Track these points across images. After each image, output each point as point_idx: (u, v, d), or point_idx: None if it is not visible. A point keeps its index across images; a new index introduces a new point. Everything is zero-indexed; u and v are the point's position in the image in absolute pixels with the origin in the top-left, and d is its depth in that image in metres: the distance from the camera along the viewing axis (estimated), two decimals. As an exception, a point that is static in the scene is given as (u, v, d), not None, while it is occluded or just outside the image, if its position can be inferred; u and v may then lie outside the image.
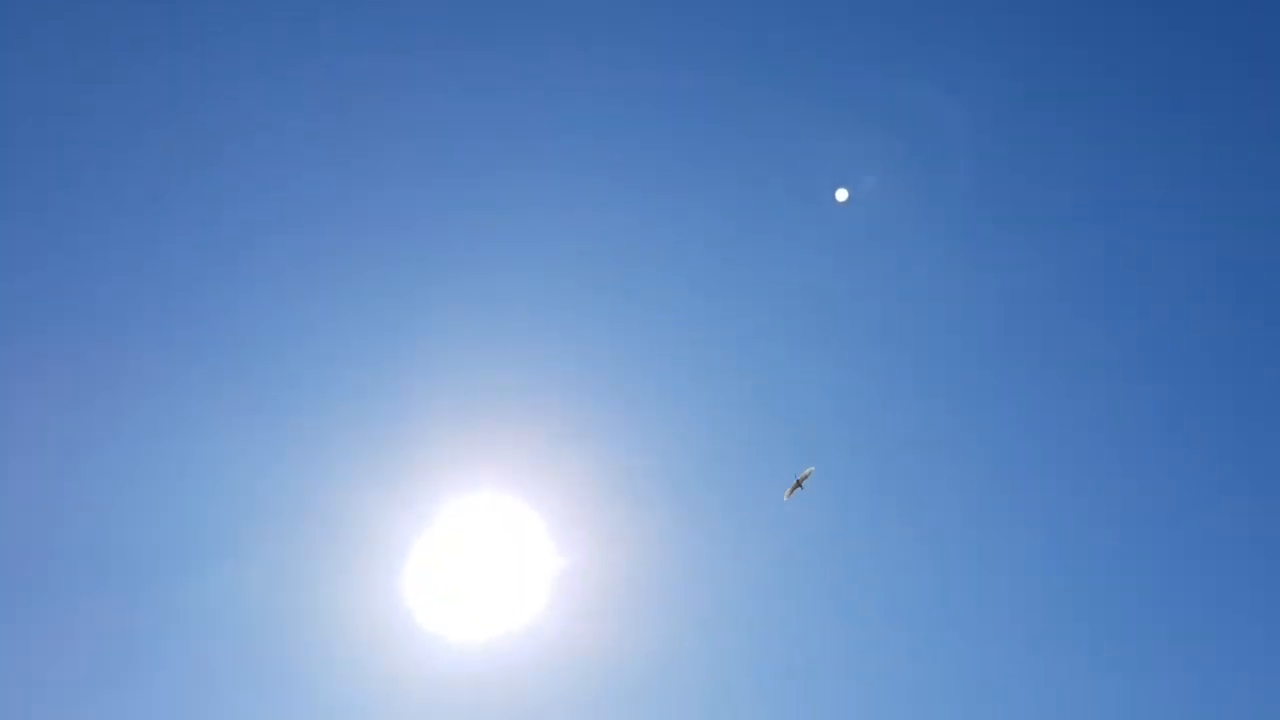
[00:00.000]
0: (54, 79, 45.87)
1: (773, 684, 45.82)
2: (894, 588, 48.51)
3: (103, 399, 44.96)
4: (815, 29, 50.99)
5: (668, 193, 50.00)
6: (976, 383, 51.96)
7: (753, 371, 50.04)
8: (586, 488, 45.09)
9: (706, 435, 48.94)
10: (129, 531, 44.83)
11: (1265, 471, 50.66)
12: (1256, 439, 51.08)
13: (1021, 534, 50.35)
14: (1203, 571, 50.39)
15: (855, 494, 49.26)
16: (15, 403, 44.02)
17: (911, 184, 49.14)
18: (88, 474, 44.70)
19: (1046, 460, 51.72)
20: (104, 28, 45.85)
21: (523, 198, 49.44)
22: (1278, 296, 51.64)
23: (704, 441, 48.59)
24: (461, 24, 48.70)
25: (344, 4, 49.15)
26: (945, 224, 50.44)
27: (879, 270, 49.59)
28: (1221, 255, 52.32)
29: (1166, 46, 52.46)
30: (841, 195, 44.92)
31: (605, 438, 46.75)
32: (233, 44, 48.23)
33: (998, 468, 51.83)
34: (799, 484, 37.34)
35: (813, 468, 37.34)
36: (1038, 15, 52.10)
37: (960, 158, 49.66)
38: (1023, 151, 51.80)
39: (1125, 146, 52.16)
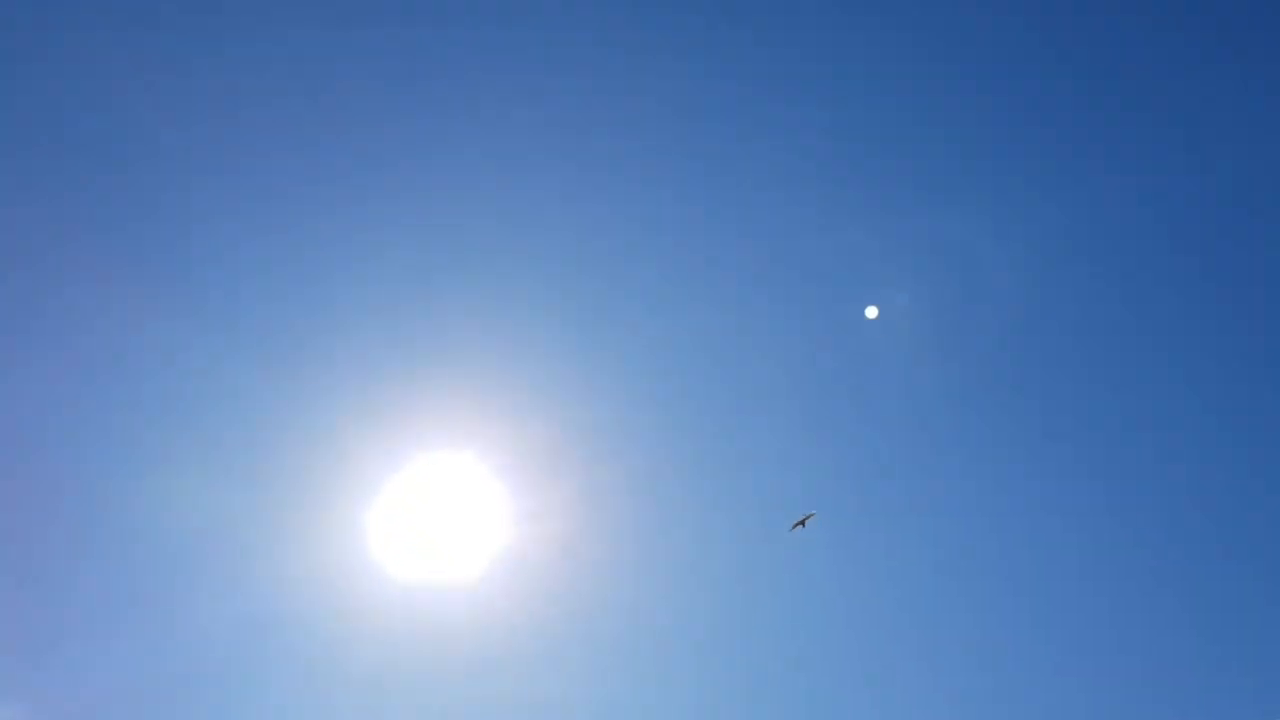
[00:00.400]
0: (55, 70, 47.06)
1: (718, 641, 46.52)
2: (854, 556, 48.81)
3: (97, 316, 45.85)
4: (858, 156, 51.64)
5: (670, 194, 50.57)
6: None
7: (717, 353, 50.45)
8: (547, 455, 45.86)
9: (667, 408, 49.56)
10: (96, 429, 45.59)
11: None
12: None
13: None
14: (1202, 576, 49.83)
15: (817, 469, 49.49)
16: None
17: (942, 307, 49.42)
18: (74, 367, 45.63)
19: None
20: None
21: (521, 187, 50.14)
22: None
23: (664, 417, 49.24)
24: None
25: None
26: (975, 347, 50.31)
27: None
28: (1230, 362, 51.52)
29: (1196, 178, 51.78)
30: (872, 313, 45.45)
31: (567, 408, 47.51)
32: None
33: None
34: (802, 522, 37.70)
35: (815, 512, 37.60)
36: (1078, 150, 51.99)
37: (994, 288, 49.83)
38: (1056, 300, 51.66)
39: (1161, 278, 51.80)
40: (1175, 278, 52.21)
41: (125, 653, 43.07)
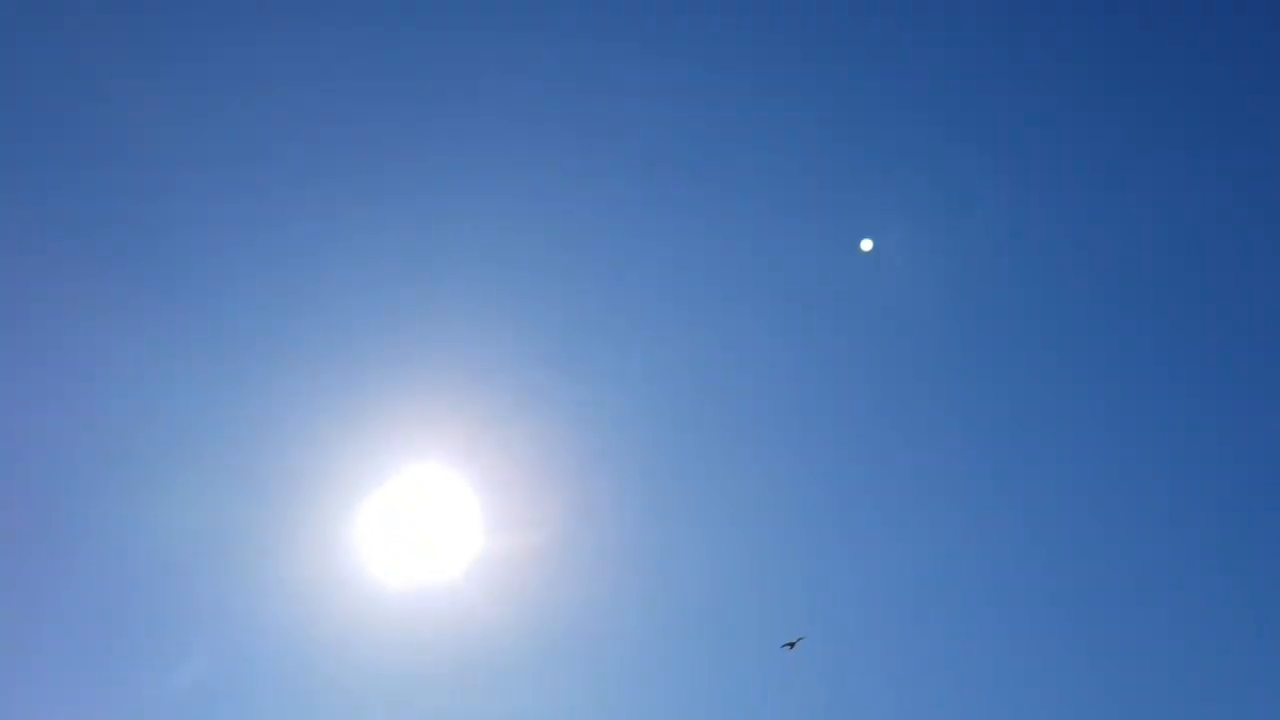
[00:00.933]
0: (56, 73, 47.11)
1: (697, 649, 46.72)
2: (846, 556, 48.55)
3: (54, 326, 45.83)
4: (847, 78, 51.18)
5: (665, 210, 50.30)
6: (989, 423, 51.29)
7: (700, 356, 50.27)
8: (532, 464, 46.20)
9: (645, 419, 49.57)
10: (70, 458, 45.83)
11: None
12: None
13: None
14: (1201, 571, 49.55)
15: (800, 479, 49.42)
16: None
17: (939, 236, 49.05)
18: (25, 397, 45.60)
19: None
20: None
21: (505, 191, 49.95)
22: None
23: (640, 424, 49.26)
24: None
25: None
26: (971, 276, 50.05)
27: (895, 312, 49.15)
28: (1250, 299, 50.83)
29: (1201, 96, 51.05)
30: (866, 245, 45.43)
31: (548, 418, 47.63)
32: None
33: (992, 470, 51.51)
34: (791, 644, 38.25)
35: (804, 636, 38.23)
36: (1075, 70, 51.27)
37: (989, 211, 49.45)
38: (1053, 210, 51.26)
39: (1159, 198, 51.37)
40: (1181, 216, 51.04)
41: (107, 662, 43.33)
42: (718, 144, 50.47)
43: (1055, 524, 50.02)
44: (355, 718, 43.32)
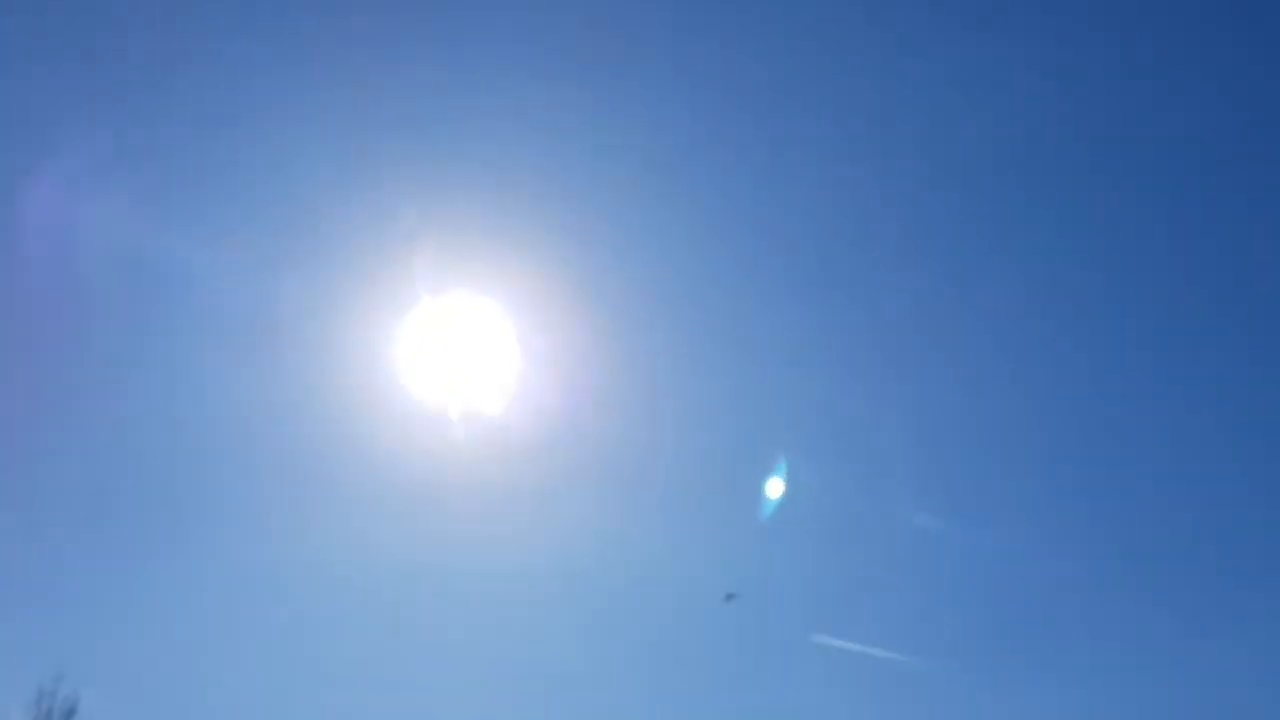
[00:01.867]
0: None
1: (736, 480, 46.28)
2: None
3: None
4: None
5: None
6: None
7: (753, 182, 49.77)
8: (563, 287, 46.87)
9: (697, 252, 49.53)
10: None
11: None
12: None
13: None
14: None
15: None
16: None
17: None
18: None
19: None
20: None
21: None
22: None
23: (689, 258, 49.19)
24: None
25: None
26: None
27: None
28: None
29: None
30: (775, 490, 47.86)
31: (583, 240, 47.47)
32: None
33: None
34: (729, 597, 40.18)
35: (736, 593, 38.30)
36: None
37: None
38: None
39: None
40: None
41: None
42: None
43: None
44: (383, 535, 43.21)
